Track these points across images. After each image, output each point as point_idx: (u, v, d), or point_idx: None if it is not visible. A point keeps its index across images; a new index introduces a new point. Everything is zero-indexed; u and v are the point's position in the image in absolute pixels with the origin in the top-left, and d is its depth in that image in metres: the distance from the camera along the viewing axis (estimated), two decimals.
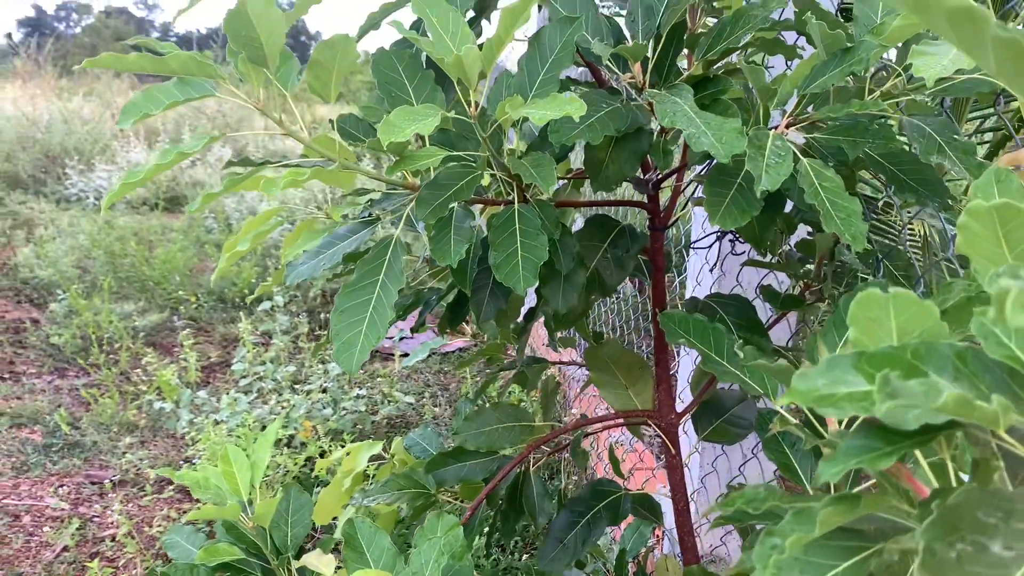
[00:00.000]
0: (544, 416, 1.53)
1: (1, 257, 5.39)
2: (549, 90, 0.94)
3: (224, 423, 3.14)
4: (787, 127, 0.95)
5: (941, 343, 0.37)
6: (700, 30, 1.05)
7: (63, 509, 2.75)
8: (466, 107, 0.90)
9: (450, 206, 0.93)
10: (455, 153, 0.95)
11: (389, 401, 3.48)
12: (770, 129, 0.93)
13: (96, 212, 6.63)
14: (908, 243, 1.35)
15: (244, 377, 3.58)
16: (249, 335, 3.72)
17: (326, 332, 2.14)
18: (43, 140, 7.54)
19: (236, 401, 3.23)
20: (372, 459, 1.43)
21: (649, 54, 1.01)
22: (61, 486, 2.90)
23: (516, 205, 0.96)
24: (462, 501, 1.35)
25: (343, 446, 2.77)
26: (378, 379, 3.76)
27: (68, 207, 6.74)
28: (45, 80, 13.12)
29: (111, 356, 3.99)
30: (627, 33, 1.02)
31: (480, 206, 1.05)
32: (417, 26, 1.08)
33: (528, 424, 1.25)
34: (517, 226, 0.96)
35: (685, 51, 1.01)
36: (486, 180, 1.06)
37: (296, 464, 2.80)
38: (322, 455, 2.90)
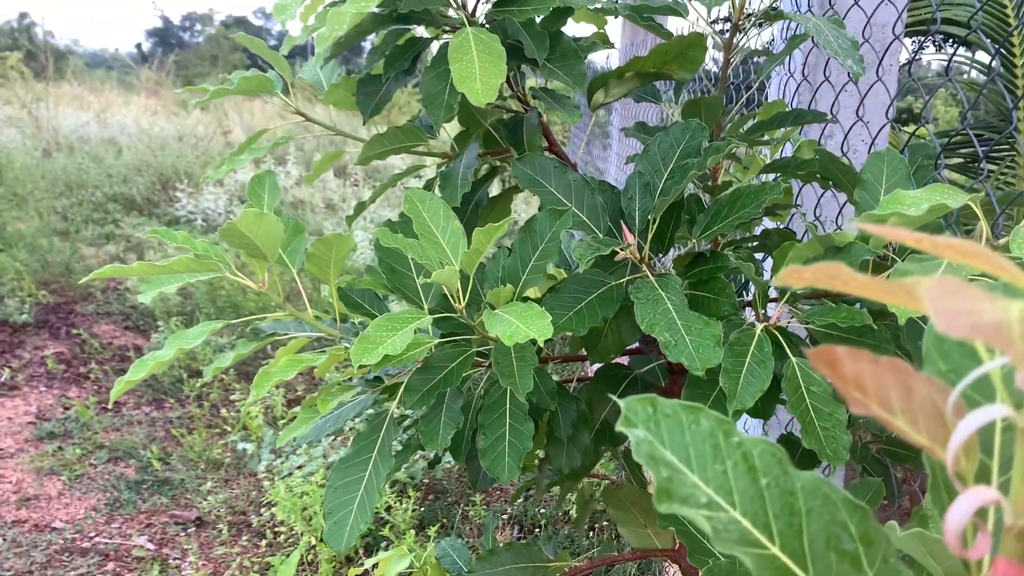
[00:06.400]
0: (577, 527, 1.54)
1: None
2: (538, 279, 0.95)
3: (303, 467, 3.26)
4: (778, 319, 0.94)
5: None
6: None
7: (149, 550, 2.92)
8: (452, 303, 0.93)
9: (439, 392, 0.96)
10: (446, 340, 0.98)
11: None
12: (761, 324, 0.92)
13: (204, 233, 6.99)
14: None
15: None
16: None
17: None
18: (157, 164, 7.99)
19: (313, 444, 3.35)
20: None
21: (647, 230, 1.01)
22: (148, 524, 3.08)
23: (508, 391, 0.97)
24: None
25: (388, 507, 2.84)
26: None
27: (178, 228, 7.12)
28: (167, 91, 13.86)
29: (204, 388, 4.20)
30: (624, 210, 1.02)
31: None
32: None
33: (542, 565, 1.26)
34: (508, 407, 0.97)
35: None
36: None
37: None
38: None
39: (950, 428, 0.28)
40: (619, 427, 0.39)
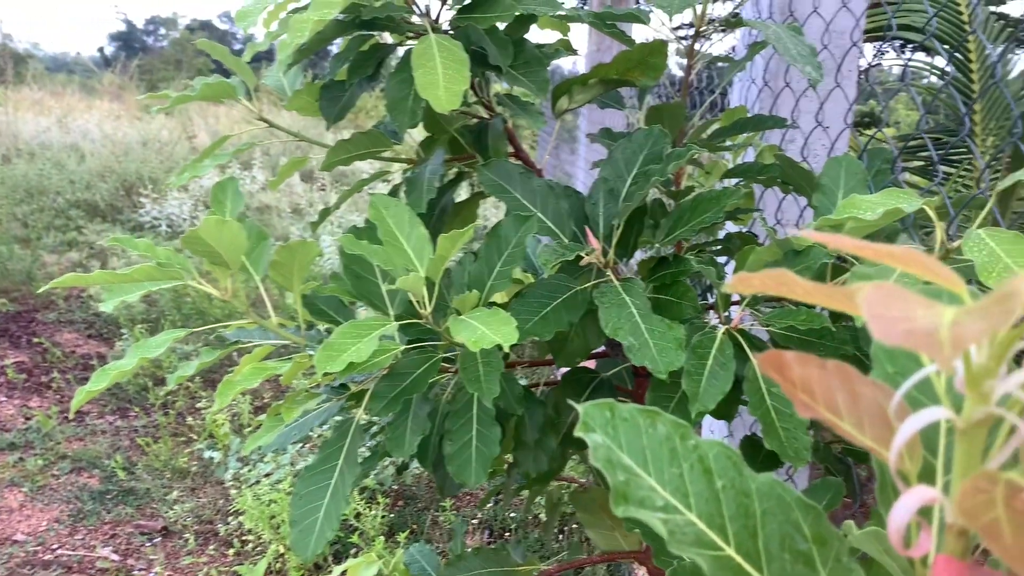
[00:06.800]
0: (546, 530, 1.55)
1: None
2: (503, 284, 0.95)
3: (271, 474, 3.23)
4: (740, 321, 0.95)
5: None
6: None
7: (113, 561, 2.88)
8: (418, 309, 0.93)
9: (405, 399, 0.96)
10: (412, 346, 0.98)
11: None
12: (723, 327, 0.93)
13: (169, 239, 6.91)
14: None
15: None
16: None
17: None
18: (121, 169, 7.88)
19: (280, 452, 3.32)
20: None
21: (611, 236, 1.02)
22: (113, 535, 3.04)
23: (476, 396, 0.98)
24: None
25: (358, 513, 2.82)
26: None
27: (142, 234, 7.03)
28: (130, 95, 13.67)
29: (170, 396, 4.15)
30: (589, 215, 1.03)
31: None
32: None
33: (511, 570, 1.27)
34: (475, 412, 0.98)
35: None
36: None
37: None
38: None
39: (894, 430, 0.29)
40: (577, 432, 0.40)
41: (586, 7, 1.10)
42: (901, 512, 0.26)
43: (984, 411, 0.26)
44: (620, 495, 0.36)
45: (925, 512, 0.31)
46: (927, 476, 0.33)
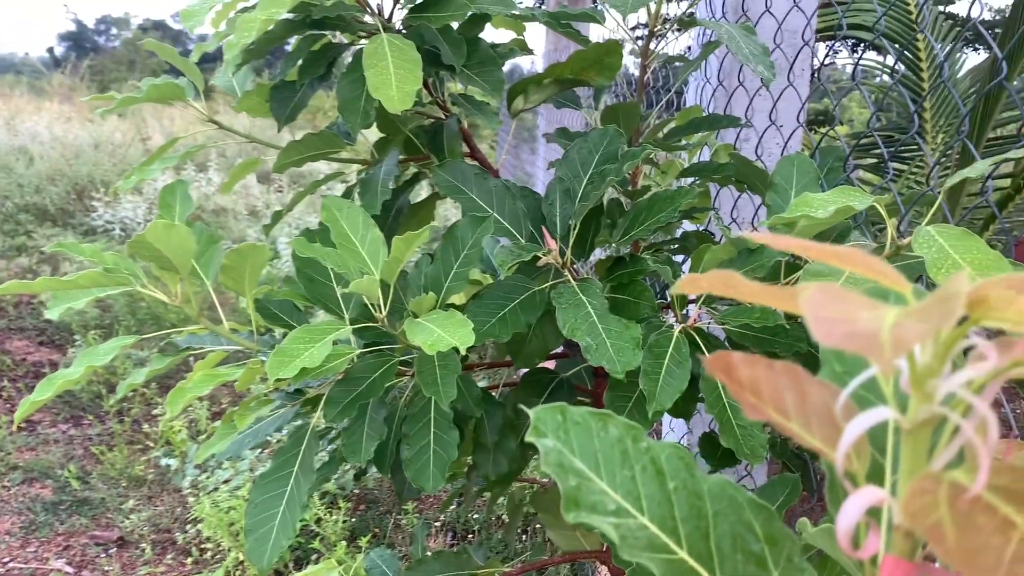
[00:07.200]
0: (508, 532, 1.54)
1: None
2: (460, 285, 0.95)
3: (230, 481, 3.18)
4: (696, 320, 0.95)
5: None
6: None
7: (67, 573, 2.81)
8: (373, 312, 0.91)
9: (361, 404, 0.94)
10: (368, 350, 0.97)
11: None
12: (679, 325, 0.93)
13: (123, 243, 6.77)
14: None
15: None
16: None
17: None
18: (72, 172, 7.71)
19: (238, 459, 3.28)
20: None
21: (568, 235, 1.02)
22: (67, 547, 2.97)
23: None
24: None
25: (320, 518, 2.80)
26: None
27: (95, 239, 6.89)
28: (82, 96, 13.38)
29: (125, 403, 4.07)
30: (546, 215, 1.03)
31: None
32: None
33: (472, 573, 1.26)
34: (432, 416, 0.97)
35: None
36: None
37: None
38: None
39: (842, 430, 0.29)
40: (529, 437, 0.39)
41: (543, 7, 1.10)
42: (849, 514, 0.26)
43: (928, 411, 0.26)
44: (571, 500, 0.36)
45: (874, 511, 0.31)
46: (876, 475, 0.33)
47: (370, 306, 0.92)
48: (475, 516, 3.07)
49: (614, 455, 0.39)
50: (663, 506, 0.38)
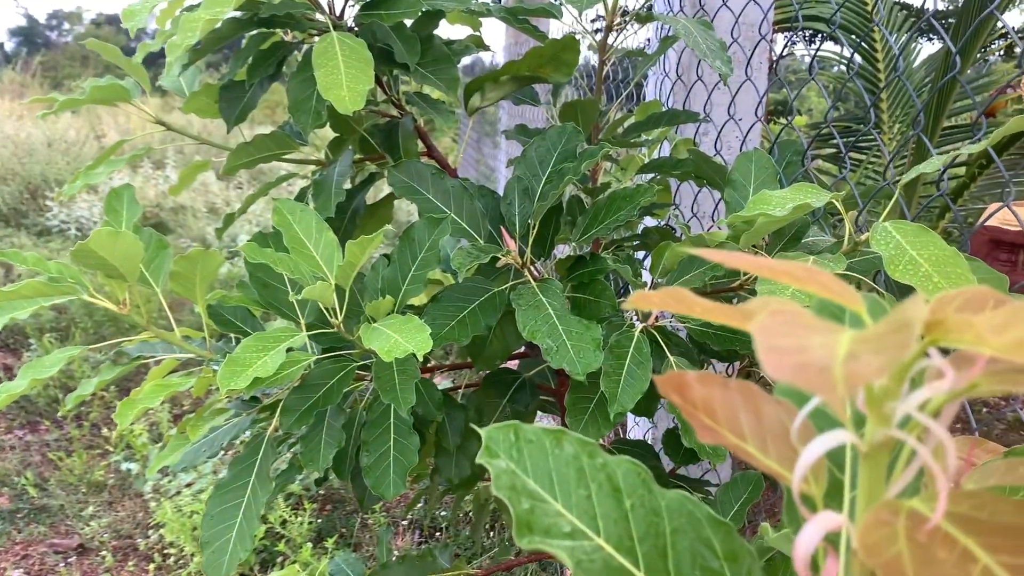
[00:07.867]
0: (475, 530, 1.53)
1: None
2: (418, 288, 0.93)
3: (192, 484, 3.13)
4: (657, 318, 0.95)
5: None
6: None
7: None
8: (329, 318, 0.89)
9: (318, 411, 0.92)
10: (325, 355, 0.94)
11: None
12: (641, 324, 0.92)
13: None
14: None
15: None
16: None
17: None
18: (24, 172, 7.54)
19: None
20: None
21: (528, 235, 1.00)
22: (24, 556, 2.90)
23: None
24: None
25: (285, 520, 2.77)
26: None
27: (50, 239, 6.73)
28: (33, 93, 13.08)
29: (83, 407, 3.99)
30: (505, 215, 1.01)
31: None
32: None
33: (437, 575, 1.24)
34: (392, 422, 0.95)
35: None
36: None
37: None
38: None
39: (799, 452, 0.28)
40: (480, 459, 0.38)
41: (500, 2, 1.08)
42: (806, 542, 0.25)
43: (884, 434, 0.25)
44: (524, 525, 0.35)
45: (831, 536, 0.30)
46: (834, 492, 0.32)
47: (326, 311, 0.90)
48: (443, 514, 3.05)
49: (569, 474, 0.38)
50: (620, 525, 0.37)
